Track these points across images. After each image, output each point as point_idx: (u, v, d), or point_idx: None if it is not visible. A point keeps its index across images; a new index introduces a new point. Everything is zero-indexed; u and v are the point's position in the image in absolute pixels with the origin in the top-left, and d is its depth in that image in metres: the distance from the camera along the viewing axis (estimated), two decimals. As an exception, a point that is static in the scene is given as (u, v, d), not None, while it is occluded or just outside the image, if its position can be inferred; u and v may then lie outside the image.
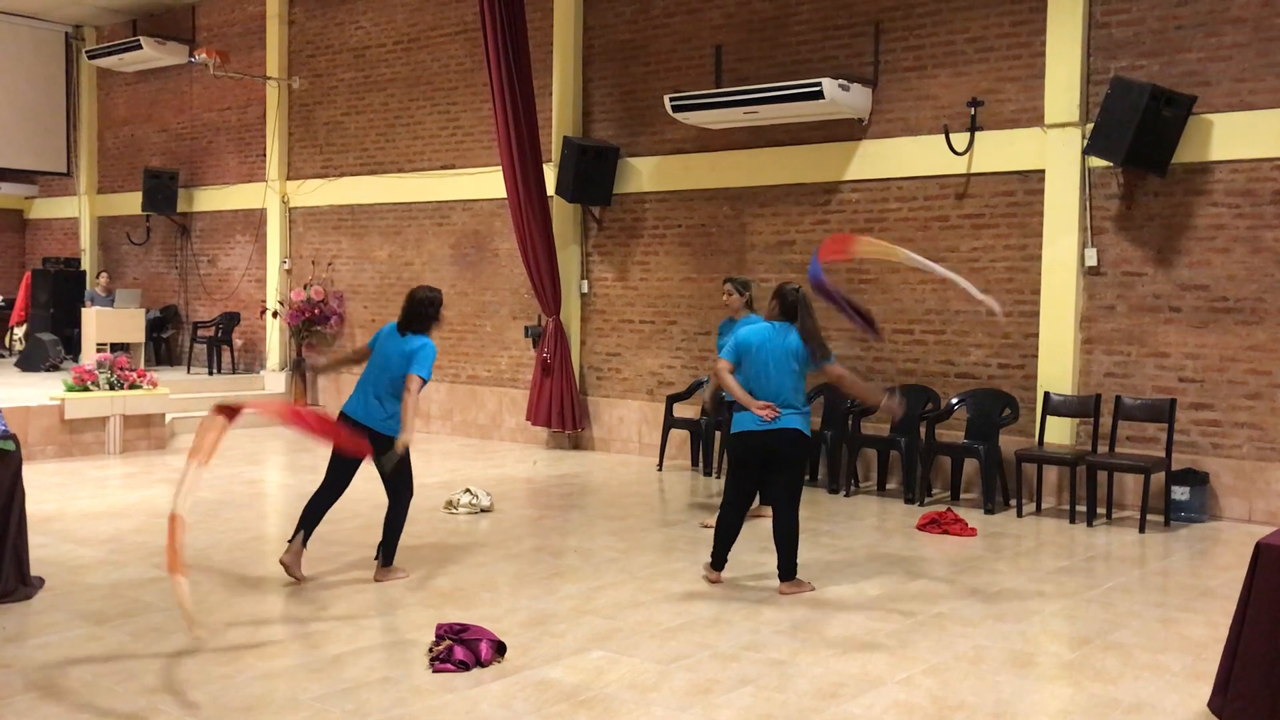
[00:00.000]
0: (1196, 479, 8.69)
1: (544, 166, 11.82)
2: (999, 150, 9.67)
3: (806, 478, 10.29)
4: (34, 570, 6.42)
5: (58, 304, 16.71)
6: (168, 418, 12.16)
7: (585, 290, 12.38)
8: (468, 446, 12.55)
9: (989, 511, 8.93)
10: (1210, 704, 4.55)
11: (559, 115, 12.20)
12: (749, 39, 11.11)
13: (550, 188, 11.95)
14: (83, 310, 15.42)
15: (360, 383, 6.69)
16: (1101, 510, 8.79)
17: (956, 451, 9.37)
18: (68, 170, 18.37)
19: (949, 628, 5.86)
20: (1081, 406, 9.15)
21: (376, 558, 6.77)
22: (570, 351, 12.14)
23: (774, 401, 6.37)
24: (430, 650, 5.23)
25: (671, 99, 10.83)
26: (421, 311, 6.65)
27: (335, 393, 14.54)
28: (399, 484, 6.67)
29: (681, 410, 11.00)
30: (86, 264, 17.96)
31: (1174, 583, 7.02)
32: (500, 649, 5.28)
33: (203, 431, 5.31)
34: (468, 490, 8.88)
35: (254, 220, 15.75)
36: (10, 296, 18.12)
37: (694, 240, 11.57)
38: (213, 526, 8.15)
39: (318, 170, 14.95)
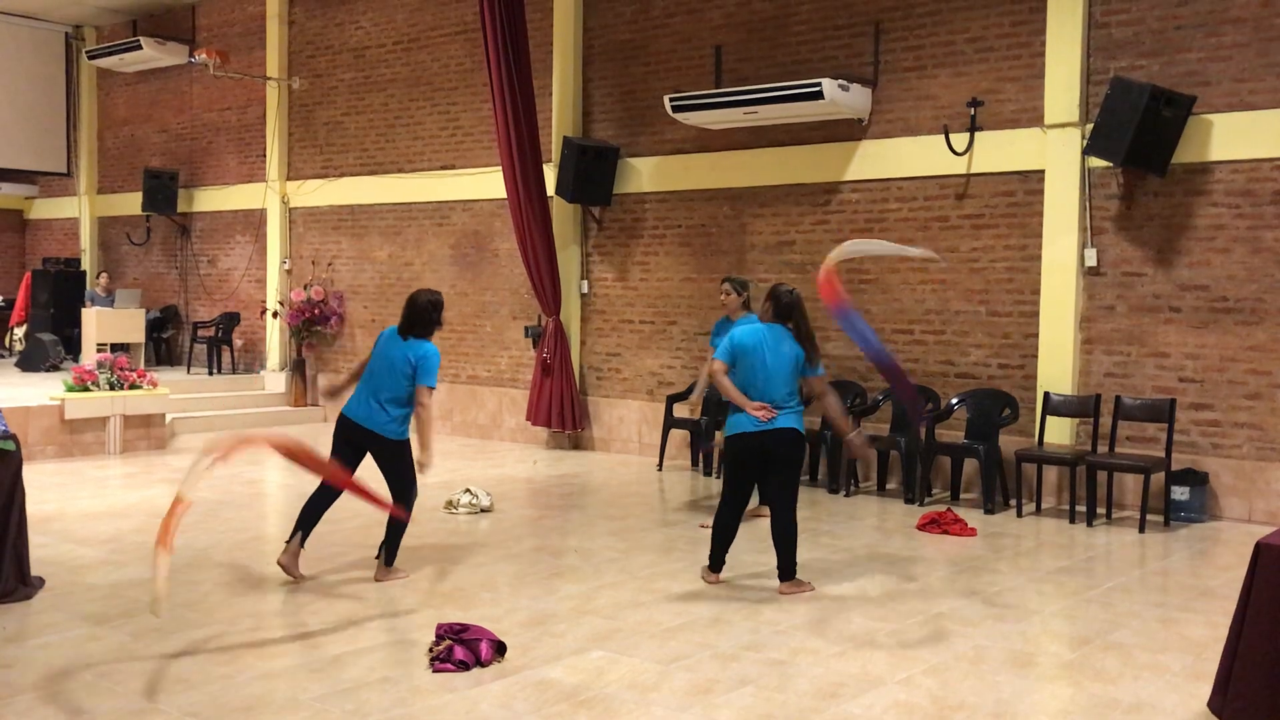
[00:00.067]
0: (1196, 479, 8.69)
1: (544, 166, 11.82)
2: (999, 150, 9.67)
3: (806, 478, 10.33)
4: (34, 570, 6.42)
5: (58, 304, 16.71)
6: (168, 418, 12.16)
7: (585, 290, 12.38)
8: (468, 446, 12.56)
9: (989, 511, 8.94)
10: (1210, 704, 4.55)
11: (559, 115, 12.20)
12: (749, 39, 11.11)
13: (550, 188, 11.95)
14: (83, 310, 15.41)
15: (361, 385, 6.69)
16: (1101, 510, 8.79)
17: (956, 451, 9.37)
18: (68, 170, 18.37)
19: (949, 628, 5.86)
20: (1081, 406, 9.15)
21: (378, 557, 6.78)
22: (570, 351, 12.14)
23: (769, 402, 6.38)
24: (430, 650, 5.23)
25: (671, 99, 10.84)
26: (424, 316, 6.66)
27: (335, 393, 14.54)
28: (403, 484, 6.68)
29: (681, 410, 11.00)
30: (86, 264, 17.96)
31: (1174, 583, 7.02)
32: (500, 649, 5.28)
33: (231, 441, 5.32)
34: (468, 490, 8.88)
35: (254, 220, 15.75)
36: (10, 297, 18.12)
37: (694, 240, 11.57)
38: (213, 526, 8.15)
39: (318, 170, 14.95)
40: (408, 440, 6.69)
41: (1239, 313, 8.69)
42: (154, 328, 16.43)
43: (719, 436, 10.50)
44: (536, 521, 8.61)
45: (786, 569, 6.50)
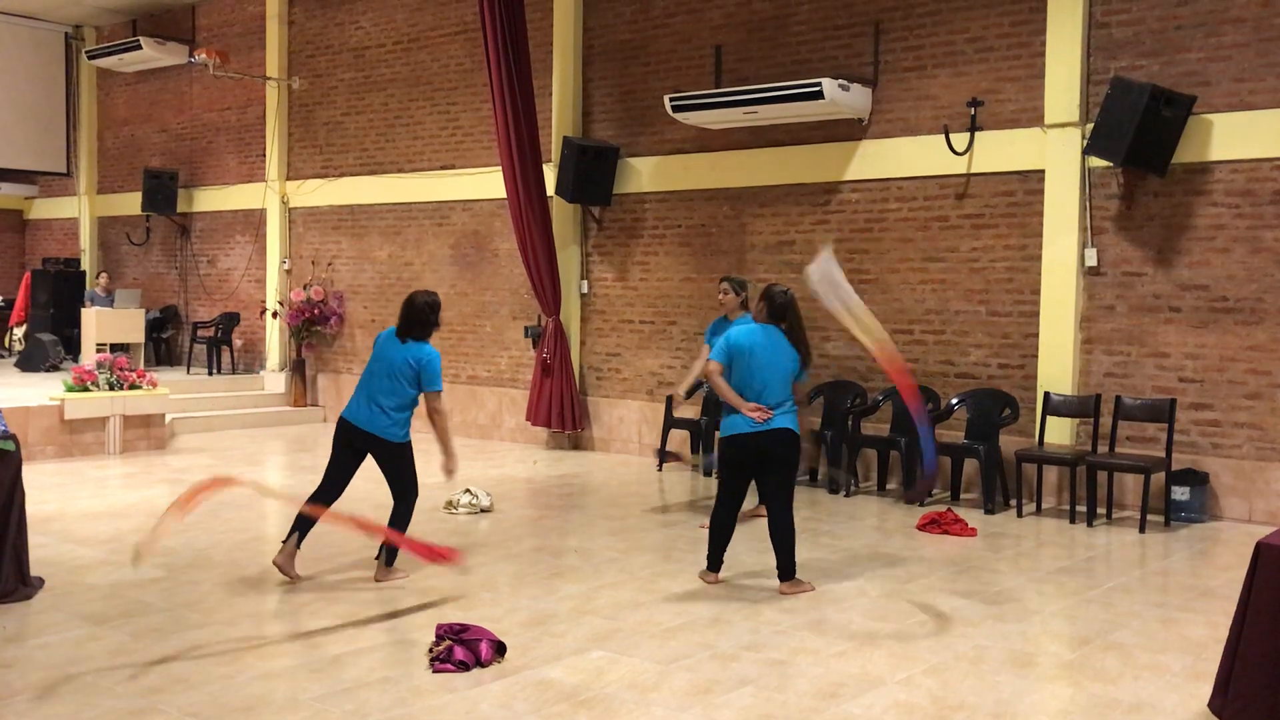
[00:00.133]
0: (1196, 479, 8.69)
1: (544, 166, 11.82)
2: (999, 150, 9.67)
3: (806, 478, 10.33)
4: (34, 570, 6.42)
5: (58, 304, 16.71)
6: (168, 418, 12.16)
7: (585, 290, 12.38)
8: (468, 446, 12.54)
9: (989, 511, 8.93)
10: (1210, 704, 4.55)
11: (559, 115, 12.20)
12: (749, 39, 11.11)
13: (550, 188, 11.95)
14: (82, 310, 15.41)
15: (360, 387, 6.68)
16: (1101, 510, 8.79)
17: (956, 451, 9.36)
18: (68, 170, 18.37)
19: (949, 628, 5.86)
20: (1081, 406, 9.15)
21: (378, 557, 6.77)
22: (570, 351, 12.14)
23: (765, 403, 6.38)
24: (430, 650, 5.23)
25: (671, 99, 10.83)
26: (421, 318, 6.65)
27: (335, 394, 14.56)
28: (404, 484, 6.68)
29: (681, 410, 10.98)
30: (86, 264, 17.96)
31: (1174, 583, 7.02)
32: (500, 649, 5.28)
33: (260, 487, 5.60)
34: (468, 490, 8.88)
35: (254, 220, 15.75)
36: (10, 297, 18.12)
37: (694, 240, 11.57)
38: (213, 526, 8.15)
39: (317, 170, 14.95)
40: (409, 442, 6.70)
41: (1239, 313, 8.69)
42: (154, 328, 16.43)
43: (686, 453, 10.54)
44: (536, 521, 8.61)
45: (786, 569, 6.50)
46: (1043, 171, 9.44)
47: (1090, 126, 9.03)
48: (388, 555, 6.72)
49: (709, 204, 11.44)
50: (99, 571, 6.84)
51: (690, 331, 11.54)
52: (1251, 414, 8.64)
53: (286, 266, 15.22)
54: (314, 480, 6.97)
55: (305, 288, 14.60)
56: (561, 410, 11.96)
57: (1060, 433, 9.28)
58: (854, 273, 10.45)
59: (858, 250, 10.46)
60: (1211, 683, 4.63)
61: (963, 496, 9.55)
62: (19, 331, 17.12)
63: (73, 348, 15.82)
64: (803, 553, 6.97)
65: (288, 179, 15.26)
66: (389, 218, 14.20)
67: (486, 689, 4.89)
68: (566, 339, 12.09)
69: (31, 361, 15.30)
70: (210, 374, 15.32)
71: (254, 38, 15.56)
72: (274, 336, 15.20)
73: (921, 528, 8.30)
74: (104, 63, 16.74)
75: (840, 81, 9.97)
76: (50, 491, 9.30)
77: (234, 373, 15.51)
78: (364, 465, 6.72)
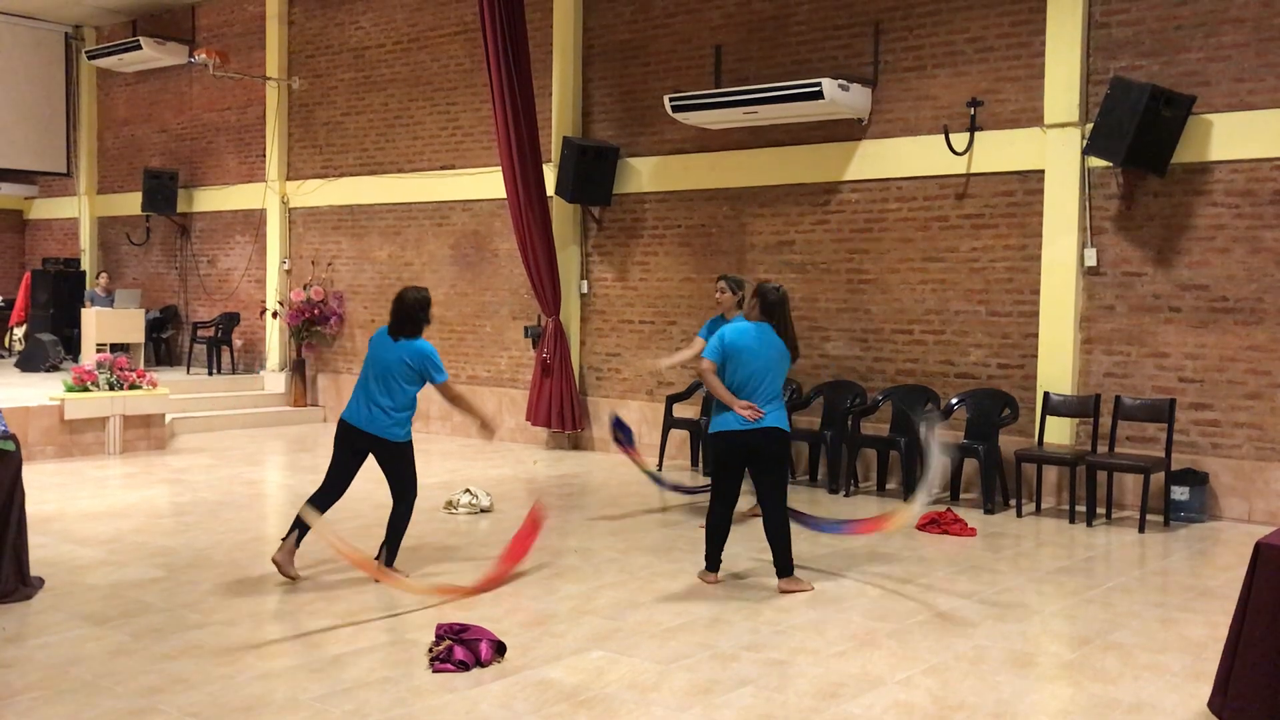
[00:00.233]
0: (1196, 479, 8.69)
1: (544, 167, 11.82)
2: (999, 150, 9.67)
3: (806, 478, 10.34)
4: (34, 570, 6.42)
5: (58, 304, 16.72)
6: (168, 418, 12.16)
7: (585, 290, 12.38)
8: (468, 447, 12.55)
9: (989, 511, 8.94)
10: (1210, 704, 4.55)
11: (559, 115, 12.20)
12: (749, 39, 11.11)
13: (550, 188, 11.95)
14: (82, 310, 15.41)
15: (358, 389, 6.68)
16: (1101, 510, 8.79)
17: (956, 451, 9.36)
18: (68, 170, 18.37)
19: (949, 628, 5.86)
20: (1081, 406, 9.15)
21: (378, 557, 6.77)
22: (570, 352, 12.14)
23: (757, 401, 6.40)
24: (430, 650, 5.23)
25: (671, 99, 10.83)
26: (412, 315, 6.64)
27: (335, 394, 14.56)
28: (404, 484, 6.69)
29: (681, 410, 11.00)
30: (86, 264, 17.96)
31: (1174, 583, 7.02)
32: (500, 649, 5.28)
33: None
34: (468, 490, 8.89)
35: (254, 220, 15.75)
36: (10, 297, 18.12)
37: (694, 240, 11.57)
38: (213, 526, 8.15)
39: (317, 170, 14.95)
40: (409, 442, 6.70)
41: (1239, 313, 8.69)
42: (154, 328, 16.43)
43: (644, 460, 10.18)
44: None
45: (784, 565, 6.51)
46: (1042, 171, 9.44)
47: (1090, 126, 9.03)
48: (388, 555, 6.72)
49: (709, 204, 11.44)
50: (99, 571, 6.84)
51: (690, 331, 11.53)
52: (1251, 414, 8.64)
53: (286, 266, 15.22)
54: (314, 480, 6.98)
55: (305, 288, 14.60)
56: (561, 410, 11.96)
57: (1060, 433, 9.29)
58: (854, 272, 10.47)
59: (858, 250, 10.46)
60: (1211, 683, 4.63)
61: (962, 496, 9.55)
62: (19, 331, 17.12)
63: (73, 348, 15.83)
64: (803, 552, 6.98)
65: (288, 179, 15.26)
66: (389, 218, 14.20)
67: (486, 689, 4.89)
68: (566, 339, 12.09)
69: (31, 361, 15.30)
70: (210, 374, 15.33)
71: (254, 38, 15.56)
72: (274, 336, 15.20)
73: (921, 528, 8.30)
74: (104, 63, 16.74)
75: (840, 81, 9.98)
76: (50, 491, 9.30)
77: (234, 373, 15.51)
78: (364, 465, 6.73)
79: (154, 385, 11.77)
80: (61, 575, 6.68)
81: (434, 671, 5.07)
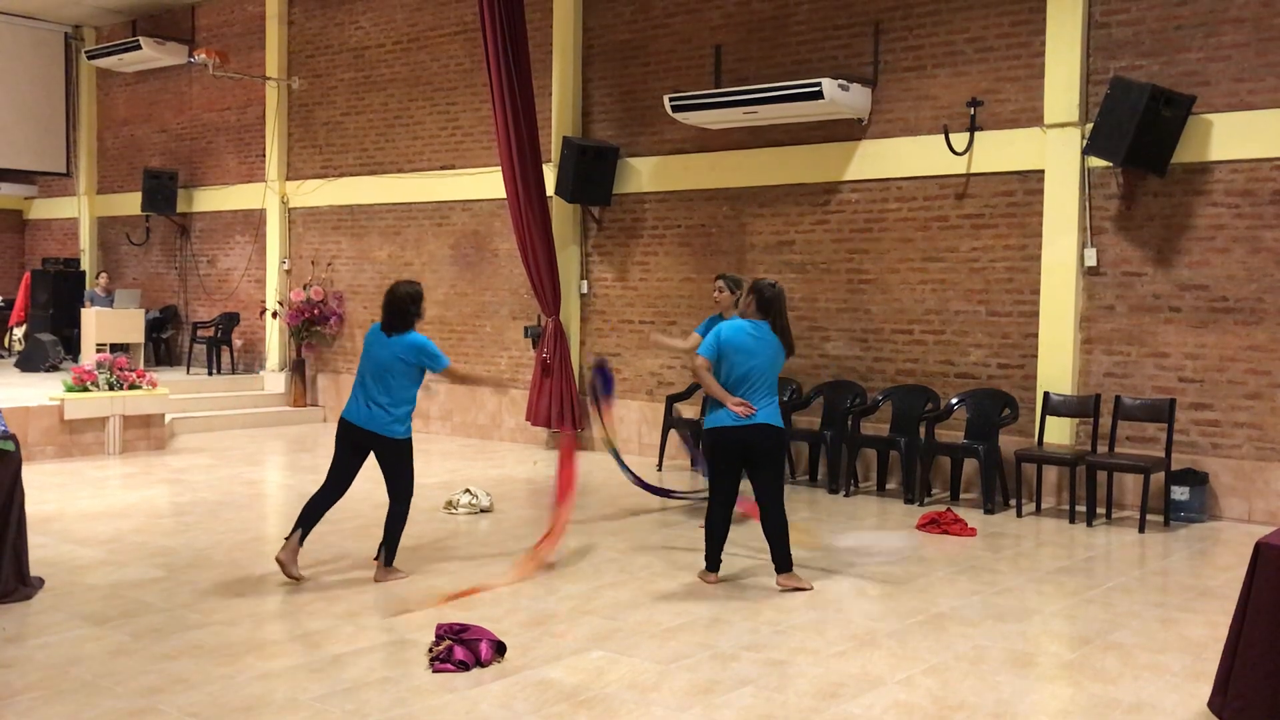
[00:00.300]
0: (1196, 479, 8.69)
1: (544, 167, 11.81)
2: (998, 150, 9.67)
3: (806, 478, 10.34)
4: (34, 570, 6.42)
5: (57, 304, 16.71)
6: (167, 418, 12.16)
7: (585, 290, 12.38)
8: (468, 447, 12.55)
9: (989, 511, 8.94)
10: (1210, 704, 4.55)
11: (559, 115, 12.20)
12: (749, 39, 11.11)
13: (550, 188, 11.95)
14: (82, 310, 15.40)
15: (356, 388, 6.68)
16: (1101, 510, 8.79)
17: (956, 451, 9.37)
18: (67, 170, 18.37)
19: (949, 628, 5.86)
20: (1081, 406, 9.15)
21: (377, 558, 6.77)
22: (570, 351, 12.13)
23: (754, 398, 6.42)
24: (430, 650, 5.23)
25: (671, 99, 10.83)
26: (403, 308, 6.63)
27: (335, 394, 14.56)
28: (402, 484, 6.68)
29: (682, 410, 10.99)
30: (86, 264, 17.96)
31: (1174, 583, 7.02)
32: (500, 649, 5.28)
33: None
34: (468, 490, 8.88)
35: (253, 220, 15.75)
36: (10, 297, 18.11)
37: (694, 240, 11.57)
38: (213, 526, 8.15)
39: (317, 170, 14.95)
40: (409, 439, 6.69)
41: (1239, 313, 8.69)
42: (153, 328, 16.43)
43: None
44: (536, 521, 8.59)
45: (783, 561, 6.52)
46: (1042, 171, 9.44)
47: (1090, 126, 9.03)
48: (386, 555, 6.72)
49: (709, 204, 11.44)
50: (99, 571, 6.84)
51: (690, 331, 11.53)
52: (1251, 414, 8.64)
53: (286, 266, 15.22)
54: (314, 480, 6.98)
55: (305, 288, 14.60)
56: (561, 410, 11.95)
57: (1060, 433, 9.29)
58: (854, 272, 10.47)
59: (858, 250, 10.46)
60: (1211, 683, 4.63)
61: (962, 496, 9.55)
62: (19, 332, 17.11)
63: (72, 348, 15.82)
64: (802, 552, 6.97)
65: (287, 179, 15.26)
66: (389, 218, 14.20)
67: (486, 689, 4.89)
68: (566, 339, 12.09)
69: (31, 362, 15.29)
70: (210, 374, 15.32)
71: (254, 38, 15.56)
72: (274, 336, 15.20)
73: (921, 527, 8.31)
74: (104, 63, 16.74)
75: (840, 81, 9.98)
76: (50, 491, 9.30)
77: (234, 373, 15.51)
78: (365, 465, 6.73)
79: (154, 385, 11.76)
80: (61, 575, 6.68)
81: (434, 671, 5.07)
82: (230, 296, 16.17)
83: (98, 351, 13.91)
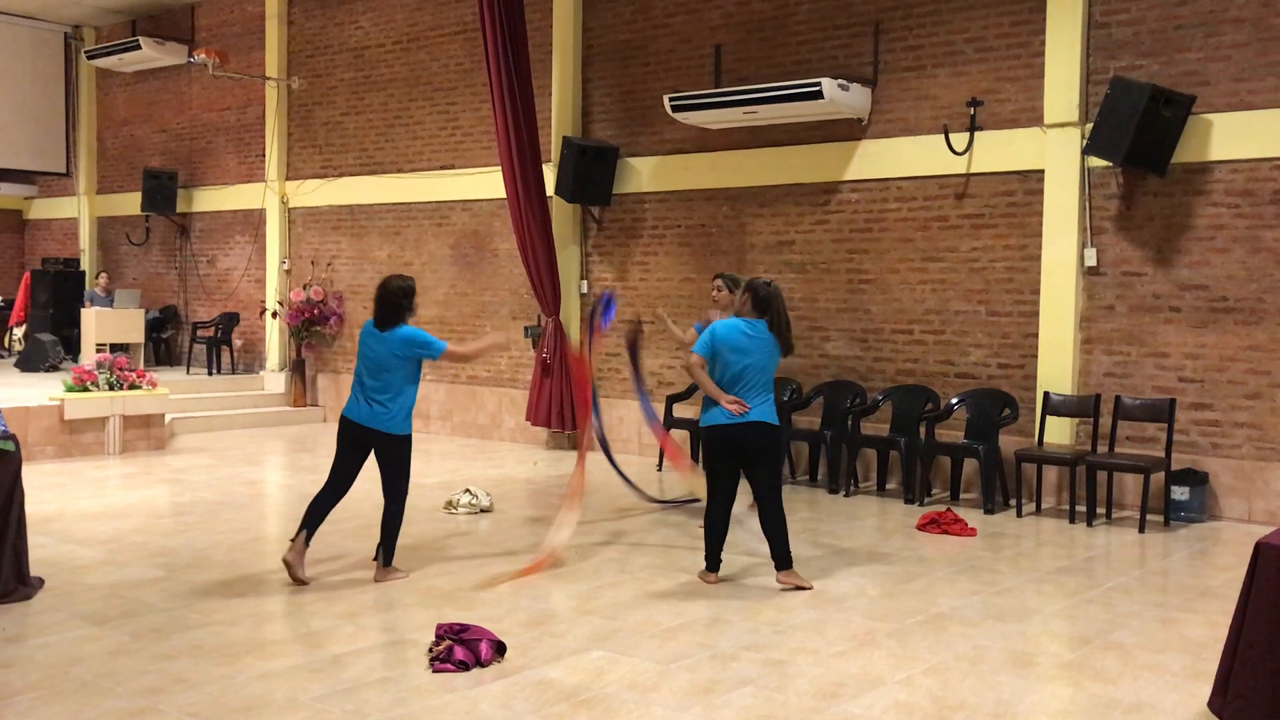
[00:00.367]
0: (1196, 479, 8.69)
1: (544, 167, 11.81)
2: (998, 150, 9.67)
3: (806, 478, 10.34)
4: (34, 570, 6.42)
5: (57, 304, 16.71)
6: (167, 418, 12.16)
7: (585, 290, 12.37)
8: (467, 447, 12.55)
9: (989, 511, 8.93)
10: (1210, 704, 4.55)
11: (558, 115, 12.20)
12: (749, 39, 11.11)
13: (550, 188, 11.95)
14: (82, 310, 15.41)
15: (354, 387, 6.68)
16: (1101, 510, 8.79)
17: (956, 451, 9.37)
18: (67, 170, 18.37)
19: (949, 628, 5.86)
20: (1081, 406, 9.15)
21: (376, 558, 6.77)
22: (570, 352, 12.12)
23: (748, 396, 6.44)
24: (430, 650, 5.23)
25: (671, 99, 10.83)
26: (395, 303, 6.61)
27: (335, 394, 14.55)
28: (399, 483, 6.68)
29: (681, 410, 10.99)
30: (86, 264, 17.95)
31: (1174, 583, 7.02)
32: (500, 649, 5.28)
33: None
34: (468, 490, 8.88)
35: (253, 220, 15.75)
36: (10, 297, 18.11)
37: (694, 240, 11.57)
38: (213, 526, 8.15)
39: (317, 170, 14.95)
40: (409, 436, 6.69)
41: (1239, 313, 8.69)
42: (153, 328, 16.42)
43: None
44: (536, 521, 8.60)
45: (783, 558, 6.53)
46: (1042, 171, 9.44)
47: (1090, 126, 9.03)
48: (385, 555, 6.72)
49: (709, 204, 11.44)
50: (99, 571, 6.84)
51: (688, 327, 11.52)
52: (1251, 414, 8.64)
53: (286, 266, 15.22)
54: (315, 480, 6.99)
55: (305, 288, 14.60)
56: (561, 410, 11.95)
57: (1060, 433, 9.29)
58: (854, 272, 10.47)
59: (857, 250, 10.46)
60: (1211, 683, 4.63)
61: (962, 496, 9.55)
62: (19, 332, 17.11)
63: (72, 348, 15.82)
64: (802, 552, 6.98)
65: (287, 179, 15.26)
66: (389, 218, 14.20)
67: (486, 689, 4.89)
68: (566, 339, 12.08)
69: (31, 362, 15.29)
70: (210, 374, 15.32)
71: (253, 38, 15.56)
72: (274, 336, 15.20)
73: (921, 528, 8.31)
74: (103, 63, 16.74)
75: (840, 81, 9.97)
76: (50, 491, 9.30)
77: (234, 373, 15.51)
78: (365, 465, 6.73)
79: (154, 385, 11.76)
80: (61, 575, 6.68)
81: (434, 671, 5.07)
82: (230, 296, 16.17)
83: (98, 351, 13.91)
